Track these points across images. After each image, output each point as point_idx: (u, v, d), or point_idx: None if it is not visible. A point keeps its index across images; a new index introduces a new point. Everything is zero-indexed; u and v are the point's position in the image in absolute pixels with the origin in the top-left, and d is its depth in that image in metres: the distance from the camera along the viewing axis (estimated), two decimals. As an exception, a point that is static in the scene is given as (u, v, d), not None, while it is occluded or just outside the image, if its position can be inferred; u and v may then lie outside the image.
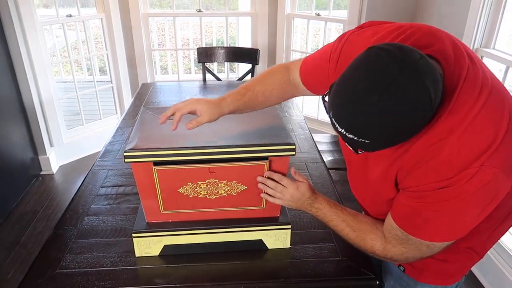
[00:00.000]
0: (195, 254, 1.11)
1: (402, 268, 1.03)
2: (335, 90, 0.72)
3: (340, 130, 0.72)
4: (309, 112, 3.48)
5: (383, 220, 0.95)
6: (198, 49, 2.68)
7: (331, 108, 0.73)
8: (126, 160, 0.98)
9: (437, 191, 0.75)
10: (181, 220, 1.10)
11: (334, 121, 0.72)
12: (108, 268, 1.07)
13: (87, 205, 1.34)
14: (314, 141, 1.79)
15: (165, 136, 1.04)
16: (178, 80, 3.50)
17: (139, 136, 1.04)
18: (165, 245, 1.10)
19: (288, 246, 1.14)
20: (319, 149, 1.76)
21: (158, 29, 5.71)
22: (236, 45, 3.44)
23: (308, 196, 1.03)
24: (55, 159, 2.94)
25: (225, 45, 3.10)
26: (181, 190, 1.04)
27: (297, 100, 2.39)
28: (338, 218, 0.99)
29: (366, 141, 0.70)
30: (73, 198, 1.38)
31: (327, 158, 2.25)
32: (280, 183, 1.03)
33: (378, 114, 0.66)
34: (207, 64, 2.70)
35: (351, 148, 0.77)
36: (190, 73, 5.07)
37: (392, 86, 0.65)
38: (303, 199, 1.02)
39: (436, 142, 0.74)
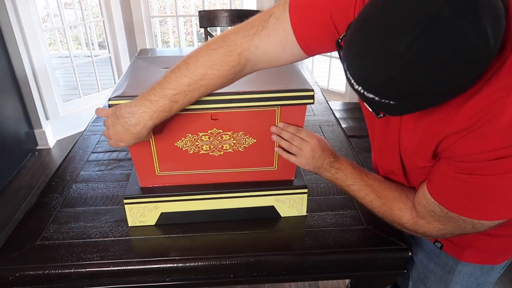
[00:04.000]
0: (197, 223, 0.96)
1: (439, 245, 0.88)
2: (351, 33, 0.54)
3: (357, 87, 0.54)
4: (318, 81, 3.28)
5: (413, 189, 0.79)
6: (200, 12, 2.48)
7: (346, 58, 0.55)
8: (111, 110, 0.82)
9: (494, 161, 0.58)
10: (180, 184, 0.95)
11: (349, 75, 0.54)
12: (96, 240, 0.92)
13: (75, 172, 1.19)
14: (328, 104, 1.62)
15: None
16: (180, 48, 3.32)
17: (128, 83, 0.88)
18: (162, 213, 0.95)
19: (304, 213, 0.99)
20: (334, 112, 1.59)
21: (160, 7, 5.50)
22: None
23: (329, 153, 0.87)
24: (52, 133, 2.80)
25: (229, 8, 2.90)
26: (179, 143, 0.88)
27: (307, 62, 2.20)
28: (361, 182, 0.83)
29: (391, 102, 0.53)
30: (60, 165, 1.23)
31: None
32: (297, 136, 0.87)
33: (409, 66, 0.48)
34: (211, 30, 2.51)
35: (371, 110, 0.60)
36: (193, 46, 4.88)
37: (433, 26, 0.46)
38: (324, 156, 0.86)
39: (494, 101, 0.55)
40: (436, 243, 0.89)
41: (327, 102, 1.63)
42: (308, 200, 0.98)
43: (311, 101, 0.85)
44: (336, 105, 2.30)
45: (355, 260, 0.90)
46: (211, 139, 0.89)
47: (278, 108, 0.86)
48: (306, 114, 0.90)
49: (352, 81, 0.54)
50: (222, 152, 0.91)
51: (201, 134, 0.88)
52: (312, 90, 0.84)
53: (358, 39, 0.52)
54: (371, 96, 0.53)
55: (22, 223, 0.98)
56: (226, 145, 0.90)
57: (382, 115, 0.61)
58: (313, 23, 0.70)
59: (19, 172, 2.48)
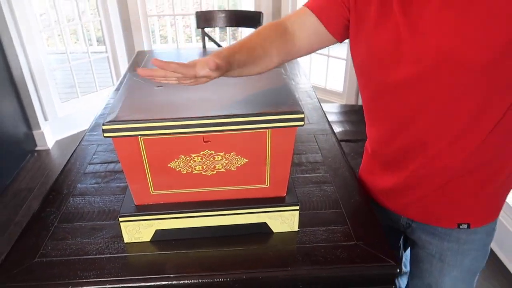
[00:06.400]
0: (191, 239, 0.98)
1: (465, 226, 0.97)
2: None
3: None
4: (316, 81, 3.29)
5: None
6: (197, 13, 2.48)
7: None
8: (105, 135, 0.84)
9: None
10: (173, 202, 0.97)
11: None
12: (93, 256, 0.94)
13: (72, 185, 1.21)
14: (323, 111, 1.64)
15: (152, 105, 0.89)
16: (177, 49, 3.32)
17: (121, 106, 0.90)
18: (156, 230, 0.97)
19: (296, 229, 1.01)
20: (328, 119, 1.61)
21: (157, 6, 5.47)
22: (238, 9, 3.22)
23: None
24: (51, 133, 2.82)
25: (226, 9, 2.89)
26: (172, 164, 0.90)
27: (305, 67, 2.22)
28: None
29: None
30: (57, 178, 1.25)
31: (337, 129, 2.10)
32: None
33: None
34: (208, 31, 2.51)
35: None
36: (191, 41, 4.87)
37: None
38: None
39: None
40: (461, 226, 0.98)
41: (323, 110, 1.65)
42: (300, 214, 1.00)
43: (301, 123, 0.87)
44: (333, 108, 2.32)
45: (345, 277, 0.93)
46: (204, 159, 0.91)
47: (268, 130, 0.88)
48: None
49: None
50: (214, 172, 0.93)
51: (193, 155, 0.90)
52: (302, 113, 0.86)
53: None
54: None
55: (20, 239, 1.00)
56: (218, 165, 0.92)
57: None
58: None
59: (19, 174, 2.50)
